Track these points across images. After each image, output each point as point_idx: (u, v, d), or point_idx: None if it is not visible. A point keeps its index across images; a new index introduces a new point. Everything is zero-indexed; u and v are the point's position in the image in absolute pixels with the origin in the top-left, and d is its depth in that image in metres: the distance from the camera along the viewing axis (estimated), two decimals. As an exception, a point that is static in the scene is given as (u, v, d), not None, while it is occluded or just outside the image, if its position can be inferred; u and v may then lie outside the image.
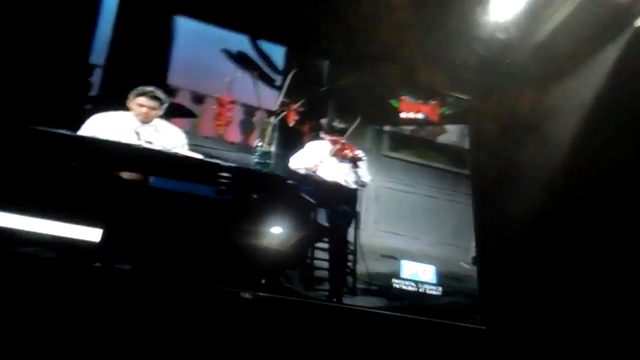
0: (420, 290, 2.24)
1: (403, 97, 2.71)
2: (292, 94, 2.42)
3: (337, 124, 2.42)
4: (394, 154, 2.51)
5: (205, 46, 2.35)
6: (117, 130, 2.05)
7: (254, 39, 2.45)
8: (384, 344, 2.26)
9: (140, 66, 2.24)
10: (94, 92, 2.13)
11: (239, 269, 2.02)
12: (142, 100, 2.11)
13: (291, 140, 2.34)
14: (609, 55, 2.99)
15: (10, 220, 1.81)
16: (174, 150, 2.11)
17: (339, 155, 2.37)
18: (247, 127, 2.31)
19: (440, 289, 2.28)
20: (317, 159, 2.32)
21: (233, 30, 2.43)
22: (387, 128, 2.56)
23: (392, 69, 2.82)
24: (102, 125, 2.04)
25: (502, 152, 2.98)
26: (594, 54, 3.18)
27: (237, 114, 2.31)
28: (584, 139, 3.07)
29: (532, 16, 2.92)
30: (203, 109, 2.27)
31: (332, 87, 2.54)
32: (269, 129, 2.32)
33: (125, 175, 2.00)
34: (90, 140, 1.99)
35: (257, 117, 2.34)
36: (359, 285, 2.16)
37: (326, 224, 2.22)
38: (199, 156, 2.13)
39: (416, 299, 2.22)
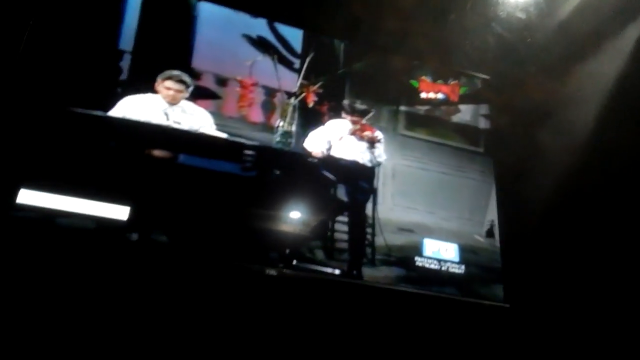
0: (441, 267, 2.33)
1: (423, 78, 2.79)
2: (310, 76, 2.52)
3: (359, 105, 2.52)
4: (410, 133, 2.59)
5: (228, 31, 2.45)
6: (146, 111, 2.17)
7: (272, 23, 2.54)
8: (406, 321, 2.36)
9: (166, 51, 2.34)
10: (123, 76, 2.24)
11: (262, 242, 2.13)
12: (169, 83, 2.22)
13: (310, 120, 2.43)
14: (632, 35, 2.99)
15: (48, 198, 1.93)
16: (200, 130, 2.22)
17: (359, 135, 2.47)
18: (268, 108, 2.41)
19: (462, 267, 2.36)
20: (335, 137, 2.41)
21: (253, 15, 2.52)
22: (403, 108, 2.64)
23: (411, 50, 2.89)
24: (132, 107, 2.16)
25: (523, 132, 3.04)
26: (616, 34, 3.18)
27: (259, 96, 2.40)
28: (606, 119, 3.10)
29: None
30: (226, 91, 2.37)
31: (349, 69, 2.62)
32: (289, 109, 2.42)
33: (156, 153, 2.11)
34: (122, 121, 2.11)
35: (278, 98, 2.44)
36: (378, 257, 2.26)
37: (346, 199, 2.32)
38: (224, 135, 2.25)
39: (434, 272, 2.30)
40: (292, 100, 2.44)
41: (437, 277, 2.31)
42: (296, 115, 2.42)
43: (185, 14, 2.43)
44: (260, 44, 2.49)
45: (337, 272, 2.14)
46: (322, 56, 2.59)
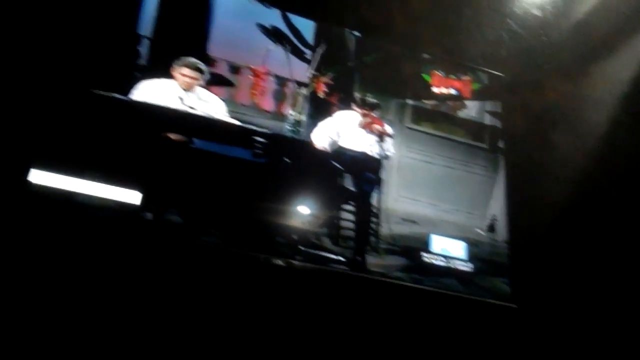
0: (449, 264, 2.40)
1: (435, 72, 2.84)
2: (321, 67, 2.58)
3: (370, 99, 2.58)
4: (416, 127, 2.66)
5: (242, 20, 2.51)
6: (162, 95, 2.23)
7: (285, 13, 2.59)
8: (412, 319, 2.39)
9: (183, 38, 2.40)
10: (142, 61, 2.30)
11: (269, 227, 2.19)
12: (185, 70, 2.28)
13: (320, 110, 2.50)
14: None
15: (63, 179, 2.00)
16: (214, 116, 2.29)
17: (368, 127, 2.52)
18: (279, 97, 2.47)
19: (471, 265, 2.43)
20: (344, 128, 2.48)
21: (267, 5, 2.58)
22: (410, 102, 2.70)
23: (424, 44, 2.93)
24: (149, 91, 2.22)
25: (535, 130, 3.06)
26: (632, 34, 3.21)
27: (271, 85, 2.47)
28: (620, 118, 3.14)
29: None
30: (239, 79, 2.44)
31: (359, 62, 2.68)
32: (300, 99, 2.48)
33: (170, 136, 2.18)
34: (139, 104, 2.17)
35: (289, 88, 2.50)
36: (382, 245, 2.33)
37: (352, 189, 2.39)
38: (236, 122, 2.31)
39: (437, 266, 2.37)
40: (303, 90, 2.50)
41: (440, 269, 2.37)
42: (307, 104, 2.48)
43: (203, 2, 2.49)
44: (273, 33, 2.55)
45: (341, 258, 2.20)
46: (333, 48, 2.65)
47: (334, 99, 2.56)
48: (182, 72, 2.27)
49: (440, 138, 2.66)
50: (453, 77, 2.87)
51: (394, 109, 2.64)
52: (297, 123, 2.42)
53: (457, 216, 2.48)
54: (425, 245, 2.39)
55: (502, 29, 3.15)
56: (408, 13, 2.94)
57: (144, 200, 2.04)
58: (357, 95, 2.58)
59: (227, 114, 2.33)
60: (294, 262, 2.17)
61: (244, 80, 2.42)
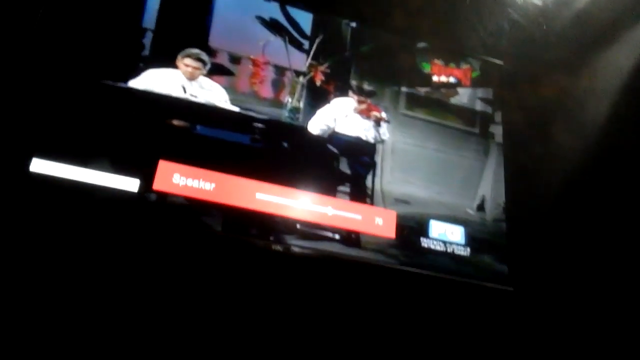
0: (447, 249, 2.51)
1: (435, 61, 2.94)
2: (318, 57, 2.70)
3: (366, 87, 2.71)
4: (410, 113, 2.77)
5: (242, 13, 2.63)
6: (166, 84, 2.37)
7: (284, 6, 2.71)
8: (408, 302, 2.50)
9: (185, 30, 2.54)
10: (145, 52, 2.44)
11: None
12: (188, 61, 2.42)
13: (318, 97, 2.62)
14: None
15: (64, 168, 2.10)
16: (215, 103, 2.42)
17: (365, 114, 2.65)
18: (278, 85, 2.59)
19: (468, 249, 2.54)
20: (341, 114, 2.60)
21: (266, -2, 2.70)
22: (404, 89, 2.81)
23: (423, 32, 3.00)
24: (153, 80, 2.36)
25: (534, 119, 3.14)
26: (634, 24, 3.26)
27: (270, 74, 2.59)
28: (620, 109, 3.20)
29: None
30: (240, 68, 2.56)
31: (355, 51, 2.80)
32: (298, 87, 2.61)
33: (174, 122, 2.32)
34: (144, 92, 2.31)
35: (287, 76, 2.62)
36: (375, 224, 2.45)
37: (348, 172, 2.51)
38: (236, 109, 2.44)
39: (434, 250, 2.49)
40: (301, 79, 2.62)
41: (437, 253, 2.48)
42: (304, 92, 2.60)
43: (204, -4, 2.62)
44: (272, 25, 2.67)
45: (337, 236, 2.33)
46: (330, 39, 2.77)
47: (331, 87, 2.67)
48: (185, 63, 2.42)
49: (433, 124, 2.77)
50: (453, 65, 2.96)
51: (389, 96, 2.76)
52: (295, 110, 2.54)
53: (448, 197, 2.60)
54: (416, 224, 2.49)
55: (503, 18, 3.23)
56: (407, 1, 3.04)
57: (144, 184, 2.15)
58: (353, 83, 2.69)
59: (228, 102, 2.46)
60: (292, 247, 2.27)
61: (244, 70, 2.54)
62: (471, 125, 2.84)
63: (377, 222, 2.43)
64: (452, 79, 2.92)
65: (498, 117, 2.91)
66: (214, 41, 2.54)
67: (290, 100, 2.56)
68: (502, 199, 2.70)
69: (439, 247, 2.49)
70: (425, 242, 2.48)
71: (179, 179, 2.20)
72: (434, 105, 2.85)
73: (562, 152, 3.13)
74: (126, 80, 2.32)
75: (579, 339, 2.67)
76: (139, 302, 2.15)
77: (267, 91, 2.56)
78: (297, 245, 2.27)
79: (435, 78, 2.90)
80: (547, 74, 3.29)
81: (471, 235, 2.54)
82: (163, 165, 2.20)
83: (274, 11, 2.68)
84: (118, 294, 2.13)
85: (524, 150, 3.03)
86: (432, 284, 2.47)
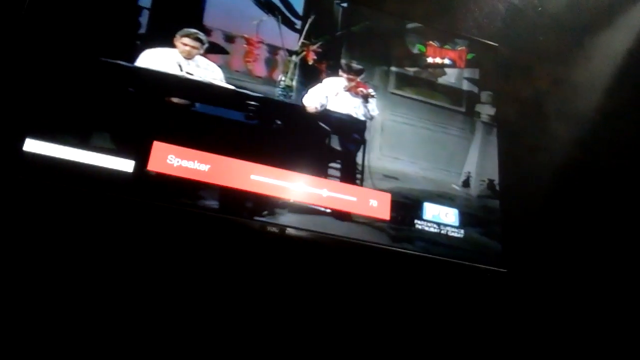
0: (440, 230, 2.61)
1: (430, 42, 3.03)
2: (311, 37, 2.78)
3: (355, 65, 2.80)
4: (399, 92, 2.86)
5: (236, -8, 2.69)
6: (163, 63, 2.44)
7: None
8: (401, 284, 2.61)
9: (180, 9, 2.60)
10: (142, 30, 2.50)
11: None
12: (186, 40, 2.49)
13: (310, 76, 2.70)
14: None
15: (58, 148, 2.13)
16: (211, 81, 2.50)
17: (353, 91, 2.74)
18: (271, 64, 2.67)
19: (462, 231, 2.65)
20: (332, 92, 2.69)
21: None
22: (393, 69, 2.90)
23: (418, 14, 3.08)
24: (151, 58, 2.43)
25: (528, 100, 3.23)
26: (630, 6, 3.33)
27: (263, 53, 2.66)
28: (615, 90, 3.29)
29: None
30: (234, 47, 2.63)
31: (347, 31, 2.88)
32: (291, 66, 2.69)
33: (172, 99, 2.40)
34: (139, 69, 2.38)
35: (280, 55, 2.70)
36: (365, 198, 2.56)
37: (339, 148, 2.62)
38: (231, 87, 2.52)
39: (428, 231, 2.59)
40: (294, 58, 2.70)
41: (430, 235, 2.58)
42: (297, 71, 2.68)
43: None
44: (266, 5, 2.73)
45: (327, 210, 2.44)
46: (322, 19, 2.84)
47: (322, 66, 2.75)
48: (183, 42, 2.49)
49: (422, 102, 2.86)
50: (448, 47, 3.05)
51: (378, 76, 2.84)
52: (288, 88, 2.63)
53: (435, 173, 2.71)
54: (411, 205, 2.61)
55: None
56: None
57: (139, 165, 2.22)
58: (343, 62, 2.78)
59: (224, 80, 2.54)
60: (288, 228, 2.35)
61: (238, 49, 2.61)
62: (457, 104, 2.95)
63: (372, 204, 2.52)
64: (447, 61, 3.01)
65: (484, 96, 3.01)
66: (208, 20, 2.61)
67: (283, 78, 2.64)
68: (486, 175, 2.82)
69: (433, 229, 2.59)
70: (419, 224, 2.58)
71: (173, 160, 2.26)
72: (422, 84, 2.94)
73: (557, 131, 3.24)
74: (123, 59, 2.38)
75: (572, 323, 2.81)
76: (133, 284, 2.19)
77: (260, 70, 2.64)
78: (290, 221, 2.35)
79: (430, 60, 2.98)
80: (542, 55, 3.38)
81: (460, 210, 2.66)
82: (157, 146, 2.26)
83: (267, -9, 2.74)
84: (112, 275, 2.16)
85: (518, 127, 3.16)
86: (426, 265, 2.57)
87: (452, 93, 2.97)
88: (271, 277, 2.43)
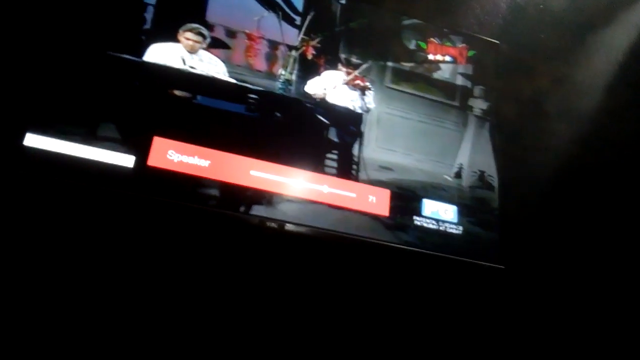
0: (439, 227, 2.68)
1: (431, 39, 3.11)
2: (310, 33, 2.87)
3: (354, 59, 2.89)
4: (395, 86, 2.96)
5: (238, -11, 2.79)
6: (168, 57, 2.54)
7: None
8: (400, 279, 2.65)
9: (184, 5, 2.70)
10: (147, 26, 2.60)
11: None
12: (189, 34, 2.60)
13: (309, 70, 2.80)
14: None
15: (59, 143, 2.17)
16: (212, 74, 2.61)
17: (351, 84, 2.84)
18: (271, 58, 2.77)
19: (461, 227, 2.72)
20: (330, 85, 2.79)
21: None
22: (390, 64, 2.99)
23: (418, 10, 3.13)
24: (157, 52, 2.53)
25: (528, 97, 3.27)
26: (631, 4, 3.35)
27: (264, 48, 2.76)
28: (617, 88, 3.30)
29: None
30: (235, 42, 2.72)
31: (345, 27, 2.97)
32: (290, 60, 2.79)
33: (176, 92, 2.50)
34: (142, 63, 2.49)
35: (280, 50, 2.80)
36: (361, 187, 2.67)
37: (336, 140, 2.72)
38: (232, 80, 2.63)
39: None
40: (294, 53, 2.80)
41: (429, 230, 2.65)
42: (296, 65, 2.78)
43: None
44: (266, 2, 2.83)
45: (327, 206, 2.54)
46: (321, 15, 2.93)
47: (321, 61, 2.85)
48: (186, 37, 2.59)
49: (417, 96, 2.96)
50: (449, 44, 3.13)
51: (375, 71, 2.94)
52: (287, 82, 2.73)
53: (429, 165, 2.81)
54: (410, 201, 2.69)
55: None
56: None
57: (139, 160, 2.28)
58: (342, 56, 2.87)
59: (226, 74, 2.64)
60: (287, 224, 2.40)
61: (240, 44, 2.71)
62: (451, 99, 3.04)
63: (371, 200, 2.60)
64: (447, 58, 3.08)
65: (477, 91, 3.10)
66: (211, 16, 2.71)
67: (283, 72, 2.74)
68: (477, 167, 2.91)
69: (432, 225, 2.67)
70: (418, 220, 2.66)
71: (174, 155, 2.33)
72: (418, 79, 3.04)
73: (557, 126, 3.27)
74: (129, 53, 2.48)
75: (570, 320, 2.84)
76: (133, 279, 2.20)
77: (261, 64, 2.74)
78: (290, 217, 2.41)
79: (431, 56, 3.06)
80: (544, 52, 3.40)
81: (448, 199, 2.76)
82: (158, 142, 2.34)
83: (268, -12, 2.84)
84: (112, 269, 2.18)
85: (516, 123, 3.21)
86: (424, 261, 2.62)
87: (446, 88, 3.07)
88: (270, 273, 2.47)
